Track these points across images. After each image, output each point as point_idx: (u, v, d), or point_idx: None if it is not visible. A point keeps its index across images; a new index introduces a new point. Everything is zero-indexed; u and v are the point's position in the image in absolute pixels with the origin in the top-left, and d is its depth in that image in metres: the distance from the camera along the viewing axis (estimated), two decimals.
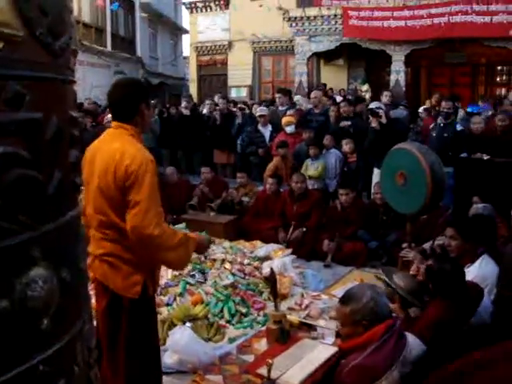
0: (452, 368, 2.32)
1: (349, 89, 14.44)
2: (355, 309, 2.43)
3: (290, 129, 8.01)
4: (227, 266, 5.03)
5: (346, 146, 7.29)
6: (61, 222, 0.81)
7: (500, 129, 6.65)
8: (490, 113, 8.60)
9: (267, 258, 5.38)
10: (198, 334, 3.70)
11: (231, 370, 3.44)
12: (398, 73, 13.42)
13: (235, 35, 17.69)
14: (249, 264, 5.17)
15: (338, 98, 11.41)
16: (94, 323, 2.09)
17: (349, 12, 13.30)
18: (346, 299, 2.53)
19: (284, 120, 8.18)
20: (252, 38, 17.08)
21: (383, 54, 13.39)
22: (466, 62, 14.38)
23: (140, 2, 21.06)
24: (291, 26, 14.37)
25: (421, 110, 10.03)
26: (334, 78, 15.53)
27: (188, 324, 3.81)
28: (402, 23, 12.69)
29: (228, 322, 4.14)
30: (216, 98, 11.47)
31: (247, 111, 10.66)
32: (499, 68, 14.83)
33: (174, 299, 4.37)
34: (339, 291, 4.47)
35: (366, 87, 13.41)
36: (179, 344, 3.42)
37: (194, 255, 5.13)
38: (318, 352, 3.52)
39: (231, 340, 3.87)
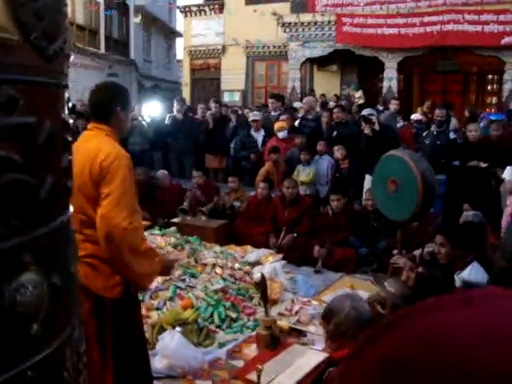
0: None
1: (342, 95, 14.52)
2: (338, 322, 2.44)
3: (282, 134, 8.03)
4: (218, 270, 5.02)
5: (338, 152, 7.32)
6: (52, 227, 0.81)
7: (494, 138, 6.70)
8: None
9: (258, 262, 5.38)
10: (187, 338, 3.69)
11: (221, 375, 3.44)
12: (390, 80, 13.52)
13: (229, 40, 17.73)
14: (239, 269, 5.16)
15: (332, 104, 11.45)
16: None
17: (342, 19, 13.39)
18: (327, 315, 2.54)
19: (276, 125, 8.21)
20: (246, 43, 17.12)
21: (376, 60, 13.48)
22: (458, 71, 14.51)
23: (134, 4, 21.07)
24: (285, 31, 14.44)
25: (413, 117, 10.08)
26: (327, 83, 15.61)
27: (178, 328, 3.80)
28: (395, 31, 12.80)
29: (218, 326, 4.14)
30: (211, 103, 11.50)
31: (240, 112, 10.70)
32: (490, 77, 14.97)
33: (164, 303, 4.35)
34: (329, 297, 4.47)
35: (359, 94, 13.47)
36: (169, 348, 3.41)
37: (186, 259, 5.13)
38: (307, 358, 3.52)
39: (221, 345, 3.87)
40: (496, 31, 11.76)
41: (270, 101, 10.10)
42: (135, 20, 21.03)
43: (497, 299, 0.46)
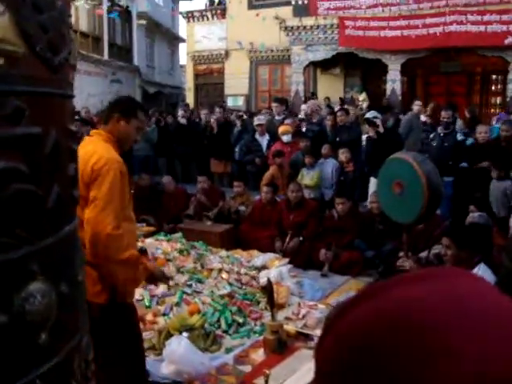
0: None
1: (345, 98, 14.51)
2: None
3: (286, 138, 8.04)
4: (224, 275, 5.01)
5: (343, 155, 7.32)
6: (59, 236, 0.82)
7: (504, 139, 6.65)
8: None
9: (264, 267, 5.38)
10: (194, 343, 3.68)
11: (228, 380, 3.42)
12: (393, 82, 13.50)
13: (232, 44, 17.77)
14: (246, 273, 5.16)
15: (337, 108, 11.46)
16: None
17: (345, 22, 13.40)
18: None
19: (281, 129, 8.22)
20: (249, 47, 17.17)
21: (379, 63, 13.48)
22: (462, 71, 14.49)
23: (137, 10, 21.16)
24: (288, 35, 14.46)
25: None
26: (331, 87, 15.61)
27: (185, 334, 3.80)
28: (397, 33, 12.80)
29: (225, 331, 4.13)
30: (216, 108, 11.54)
31: (245, 117, 10.72)
32: (494, 77, 14.93)
33: (171, 309, 4.35)
34: (336, 300, 4.47)
35: (363, 96, 13.46)
36: (176, 354, 3.40)
37: (192, 264, 5.14)
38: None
39: (228, 350, 3.86)
40: (499, 31, 11.74)
41: (273, 105, 10.12)
42: (138, 22, 21.10)
43: (456, 277, 0.47)
